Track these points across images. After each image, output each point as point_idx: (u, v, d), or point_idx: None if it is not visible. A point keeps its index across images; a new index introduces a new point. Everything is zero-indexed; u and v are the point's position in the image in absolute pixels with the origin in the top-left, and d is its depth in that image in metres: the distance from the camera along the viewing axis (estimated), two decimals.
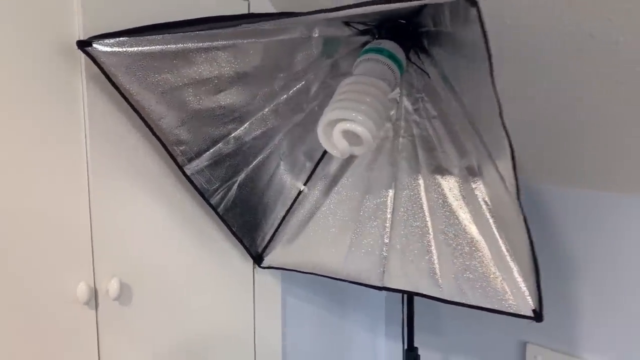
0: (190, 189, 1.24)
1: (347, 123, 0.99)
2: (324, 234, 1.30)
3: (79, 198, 1.11)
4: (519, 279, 1.03)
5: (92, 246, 1.14)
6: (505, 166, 0.88)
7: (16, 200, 1.03)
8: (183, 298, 1.32)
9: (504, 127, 0.80)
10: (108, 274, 1.17)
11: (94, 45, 0.95)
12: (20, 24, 0.99)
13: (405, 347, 1.36)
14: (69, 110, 1.08)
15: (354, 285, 1.72)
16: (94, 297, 1.15)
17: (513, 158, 0.82)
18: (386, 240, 1.22)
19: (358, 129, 0.99)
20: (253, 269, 1.47)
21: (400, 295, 1.29)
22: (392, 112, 1.23)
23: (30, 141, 1.04)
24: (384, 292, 1.89)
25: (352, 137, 1.03)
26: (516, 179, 0.84)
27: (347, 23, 1.16)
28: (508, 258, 1.05)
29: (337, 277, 1.27)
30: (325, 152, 1.34)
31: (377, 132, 1.04)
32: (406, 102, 1.20)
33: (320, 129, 1.04)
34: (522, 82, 1.10)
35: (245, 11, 1.35)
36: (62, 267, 1.10)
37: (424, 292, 1.18)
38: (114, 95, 1.07)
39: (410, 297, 1.33)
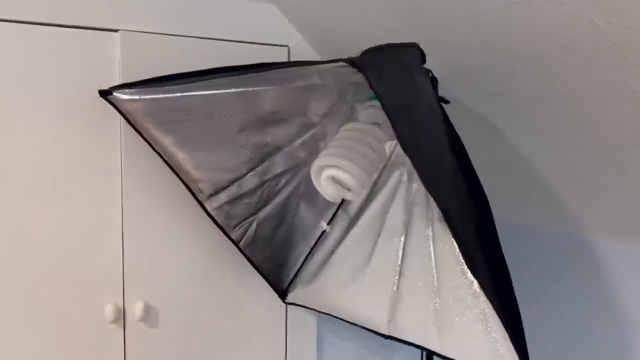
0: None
1: (333, 169, 1.01)
2: (339, 275, 1.31)
3: (113, 227, 1.25)
4: (510, 344, 0.95)
5: (123, 271, 1.27)
6: None
7: (57, 227, 1.19)
8: (210, 326, 1.40)
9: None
10: (136, 297, 1.29)
11: (114, 93, 1.09)
12: (71, 73, 1.16)
13: None
14: (107, 149, 1.23)
15: None
16: (123, 318, 1.28)
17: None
18: (394, 289, 1.19)
19: (343, 175, 1.00)
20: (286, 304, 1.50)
21: None
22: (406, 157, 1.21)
23: (73, 173, 1.20)
24: None
25: (343, 183, 1.05)
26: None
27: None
28: (499, 320, 0.97)
29: (349, 320, 1.26)
30: None
31: (368, 180, 1.04)
32: None
33: (312, 173, 1.07)
34: None
35: (285, 57, 1.42)
36: (94, 288, 1.24)
37: (427, 347, 1.12)
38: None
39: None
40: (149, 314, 1.30)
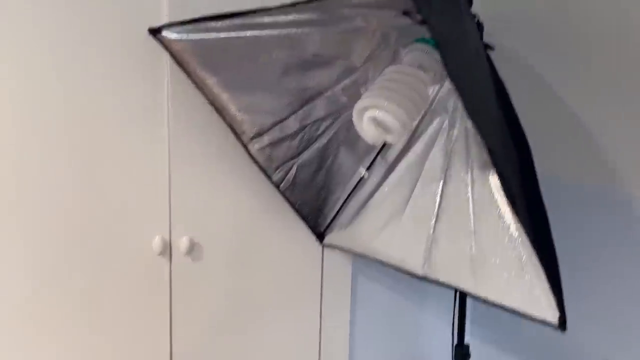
0: None
1: (376, 110, 1.03)
2: (376, 220, 1.34)
3: (160, 163, 1.31)
4: (547, 284, 0.97)
5: (169, 207, 1.33)
6: None
7: (109, 164, 1.25)
8: (251, 263, 1.46)
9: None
10: (182, 232, 1.35)
11: (163, 32, 1.12)
12: (117, 14, 1.19)
13: (455, 342, 1.34)
14: (155, 87, 1.27)
15: None
16: (169, 251, 1.35)
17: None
18: (430, 232, 1.22)
19: (385, 117, 1.02)
20: (322, 246, 1.55)
21: None
22: (449, 103, 1.21)
23: (122, 111, 1.25)
24: None
25: (385, 125, 1.06)
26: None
27: (406, 13, 1.17)
28: (536, 261, 0.99)
29: (384, 261, 1.30)
30: None
31: (409, 122, 1.05)
32: None
33: (354, 115, 1.08)
34: None
35: None
36: (142, 222, 1.31)
37: (461, 288, 1.16)
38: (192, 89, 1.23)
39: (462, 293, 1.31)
40: (193, 249, 1.37)
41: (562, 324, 0.95)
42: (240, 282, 1.46)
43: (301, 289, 1.56)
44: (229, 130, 1.33)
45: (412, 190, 1.27)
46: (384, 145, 1.36)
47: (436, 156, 1.23)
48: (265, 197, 1.44)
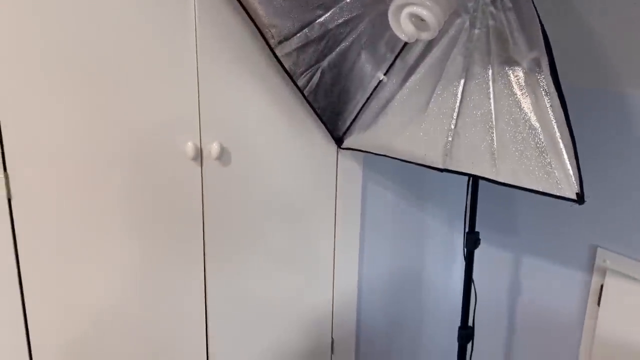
0: (281, 70, 1.42)
1: (415, 6, 1.09)
2: (397, 120, 1.42)
3: (189, 71, 1.34)
4: (567, 164, 1.09)
5: (199, 113, 1.38)
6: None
7: (139, 72, 1.28)
8: (273, 166, 1.54)
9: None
10: (211, 138, 1.41)
11: None
12: None
13: (467, 230, 1.47)
14: None
15: (433, 176, 1.83)
16: (200, 156, 1.41)
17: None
18: (452, 127, 1.32)
19: (424, 12, 1.08)
20: (337, 151, 1.64)
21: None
22: (471, 4, 1.28)
23: (151, 18, 1.26)
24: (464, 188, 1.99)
25: (419, 23, 1.13)
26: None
27: None
28: (560, 145, 1.11)
29: (405, 159, 1.41)
30: (405, 43, 1.43)
31: (444, 18, 1.12)
32: None
33: (390, 12, 1.14)
34: None
35: None
36: (174, 128, 1.36)
37: (482, 175, 1.27)
38: None
39: (475, 181, 1.43)
40: (222, 154, 1.43)
41: (581, 198, 1.09)
42: (264, 185, 1.54)
43: (318, 192, 1.66)
44: (255, 37, 1.37)
45: (434, 90, 1.35)
46: (402, 48, 1.43)
47: (457, 56, 1.31)
48: (286, 103, 1.50)
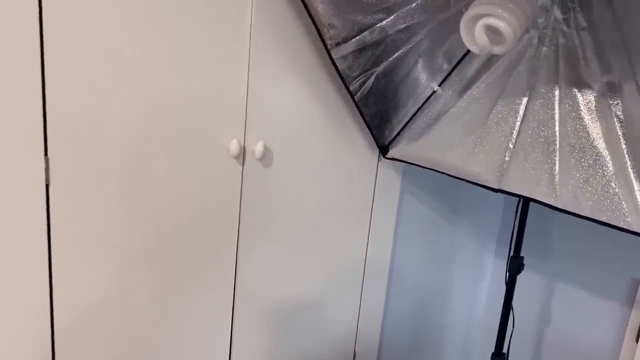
0: (332, 73, 1.37)
1: (491, 18, 1.03)
2: (450, 134, 1.37)
3: (240, 67, 1.29)
4: (637, 196, 1.04)
5: (246, 110, 1.33)
6: None
7: (190, 67, 1.23)
8: (313, 172, 1.49)
9: None
10: (256, 137, 1.36)
11: None
12: None
13: (512, 253, 1.42)
14: None
15: (469, 194, 1.78)
16: (242, 155, 1.36)
17: None
18: (510, 146, 1.26)
19: (501, 25, 1.03)
20: (378, 160, 1.59)
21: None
22: (541, 20, 1.22)
23: (203, 16, 1.21)
24: (501, 206, 1.93)
25: (493, 35, 1.07)
26: None
27: None
28: (631, 175, 1.05)
29: (456, 175, 1.35)
30: (464, 55, 1.37)
31: (520, 33, 1.06)
32: (556, 11, 1.18)
33: (463, 23, 1.09)
34: None
35: None
36: (220, 123, 1.30)
37: (540, 199, 1.22)
38: None
39: (525, 203, 1.37)
40: (265, 155, 1.38)
41: None
42: (302, 191, 1.49)
43: (355, 202, 1.60)
44: (309, 36, 1.32)
45: (493, 107, 1.30)
46: (460, 60, 1.37)
47: (521, 73, 1.25)
48: (332, 107, 1.45)
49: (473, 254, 1.97)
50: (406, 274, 1.82)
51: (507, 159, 1.27)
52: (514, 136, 1.26)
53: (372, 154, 1.57)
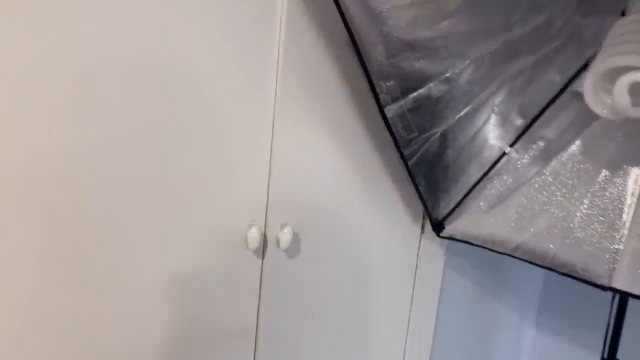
0: (373, 138, 1.06)
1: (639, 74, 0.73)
2: (535, 209, 1.06)
3: (263, 135, 0.96)
4: None
5: (268, 189, 0.99)
6: None
7: (207, 133, 0.89)
8: (347, 255, 1.16)
9: None
10: (279, 222, 1.02)
11: None
12: None
13: (605, 355, 1.12)
14: (266, 29, 0.90)
15: (513, 266, 1.47)
16: (263, 245, 1.01)
17: None
18: (624, 232, 0.96)
19: None
20: (420, 234, 1.27)
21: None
22: None
23: (225, 65, 0.88)
24: (541, 278, 1.65)
25: (633, 94, 0.77)
26: None
27: None
28: None
29: (547, 266, 1.03)
30: (542, 110, 1.08)
31: None
32: None
33: (590, 79, 0.78)
34: None
35: None
36: (236, 209, 0.96)
37: None
38: (311, 30, 0.92)
39: (622, 300, 1.08)
40: (292, 242, 1.04)
41: None
42: (334, 278, 1.16)
43: (393, 287, 1.28)
44: (345, 94, 1.01)
45: (594, 178, 1.00)
46: (537, 117, 1.08)
47: (635, 135, 0.96)
48: (373, 176, 1.13)
49: (512, 329, 1.69)
50: (445, 354, 1.51)
51: (618, 247, 0.97)
52: (627, 218, 0.96)
53: (415, 227, 1.25)
